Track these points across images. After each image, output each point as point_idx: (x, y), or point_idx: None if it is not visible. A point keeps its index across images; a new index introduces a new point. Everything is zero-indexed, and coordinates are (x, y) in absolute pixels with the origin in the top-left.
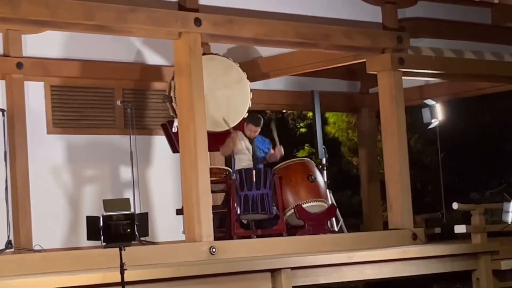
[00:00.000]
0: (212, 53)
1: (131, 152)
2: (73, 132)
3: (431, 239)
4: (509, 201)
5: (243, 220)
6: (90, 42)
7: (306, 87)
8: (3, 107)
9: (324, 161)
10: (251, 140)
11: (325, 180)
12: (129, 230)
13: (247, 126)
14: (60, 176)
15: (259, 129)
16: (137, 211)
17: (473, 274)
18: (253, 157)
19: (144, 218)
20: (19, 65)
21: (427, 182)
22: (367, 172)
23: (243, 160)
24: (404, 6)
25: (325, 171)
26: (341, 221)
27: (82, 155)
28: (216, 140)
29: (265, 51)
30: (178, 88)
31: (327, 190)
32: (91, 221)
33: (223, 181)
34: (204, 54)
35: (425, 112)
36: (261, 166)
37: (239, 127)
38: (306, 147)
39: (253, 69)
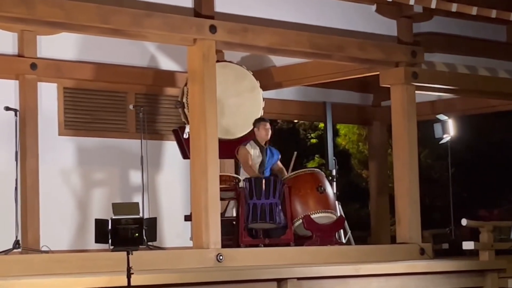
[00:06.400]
0: (226, 61)
1: (141, 157)
2: (84, 135)
3: (438, 254)
4: None
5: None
6: (104, 45)
7: (318, 98)
8: (15, 107)
9: (334, 172)
10: (262, 149)
11: (335, 191)
12: (137, 234)
13: (260, 130)
14: (70, 178)
15: (269, 125)
16: (146, 216)
17: None
18: (261, 165)
19: (152, 223)
20: (33, 66)
21: (436, 197)
22: (376, 185)
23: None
24: (419, 21)
25: (334, 183)
26: (349, 233)
27: (92, 158)
28: (227, 147)
29: (279, 61)
30: (190, 94)
31: (336, 202)
32: (100, 224)
33: (233, 188)
34: (217, 61)
35: (437, 127)
36: (268, 174)
37: (250, 136)
38: (316, 157)
39: (266, 78)
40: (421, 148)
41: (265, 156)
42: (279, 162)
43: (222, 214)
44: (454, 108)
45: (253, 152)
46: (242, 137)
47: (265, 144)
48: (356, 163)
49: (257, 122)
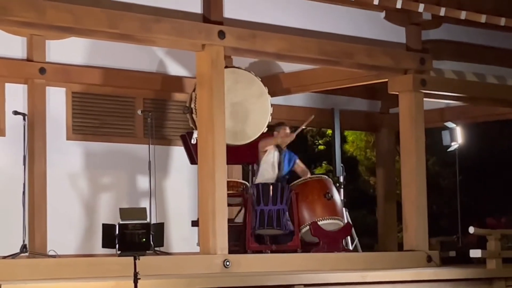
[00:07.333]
0: (234, 67)
1: (149, 162)
2: (92, 139)
3: (445, 262)
4: None
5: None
6: (113, 50)
7: (326, 104)
8: (24, 111)
9: (341, 179)
10: (281, 152)
11: (342, 198)
12: (144, 239)
13: (279, 134)
14: (78, 182)
15: (288, 129)
16: (153, 221)
17: None
18: (279, 168)
19: (160, 228)
20: (42, 70)
21: (443, 205)
22: (383, 192)
23: (268, 173)
24: (428, 28)
25: (342, 189)
26: (356, 240)
27: (100, 163)
28: (234, 153)
29: (287, 67)
30: (199, 100)
31: (343, 209)
32: (107, 229)
33: (240, 194)
34: (226, 67)
35: (445, 135)
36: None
37: (258, 141)
38: (324, 164)
39: (275, 84)
40: (428, 155)
41: (282, 159)
42: (299, 163)
43: (232, 220)
44: (462, 115)
45: (274, 153)
46: (250, 142)
47: (284, 148)
48: (364, 170)
49: (278, 126)
